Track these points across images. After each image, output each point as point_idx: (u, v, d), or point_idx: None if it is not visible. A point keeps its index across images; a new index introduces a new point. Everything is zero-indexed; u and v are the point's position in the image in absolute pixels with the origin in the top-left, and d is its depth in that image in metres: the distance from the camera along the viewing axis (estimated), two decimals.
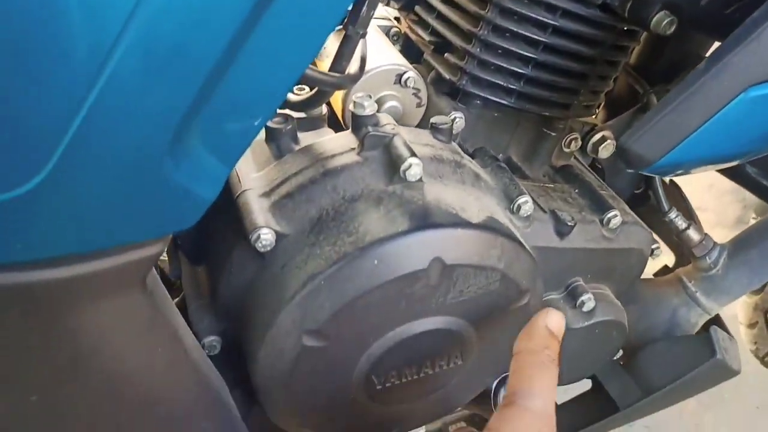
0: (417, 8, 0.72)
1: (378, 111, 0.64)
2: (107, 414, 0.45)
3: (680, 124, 0.51)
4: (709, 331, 0.73)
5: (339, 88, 0.54)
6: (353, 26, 0.50)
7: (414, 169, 0.52)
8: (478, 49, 0.63)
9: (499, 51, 0.63)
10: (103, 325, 0.41)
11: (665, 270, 0.94)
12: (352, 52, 0.52)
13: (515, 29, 0.61)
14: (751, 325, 1.19)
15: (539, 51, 0.62)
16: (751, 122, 0.52)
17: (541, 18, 0.60)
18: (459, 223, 0.51)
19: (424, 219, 0.50)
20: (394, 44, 0.77)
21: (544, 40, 0.61)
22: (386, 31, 0.76)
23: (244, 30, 0.33)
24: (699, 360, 0.72)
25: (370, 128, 0.54)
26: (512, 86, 0.64)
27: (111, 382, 0.43)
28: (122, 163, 0.33)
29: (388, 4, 0.78)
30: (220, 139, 0.39)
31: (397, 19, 0.80)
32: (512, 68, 0.63)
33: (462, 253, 0.51)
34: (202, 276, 0.62)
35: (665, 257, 0.96)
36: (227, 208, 0.56)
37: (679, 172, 0.58)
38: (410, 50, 0.75)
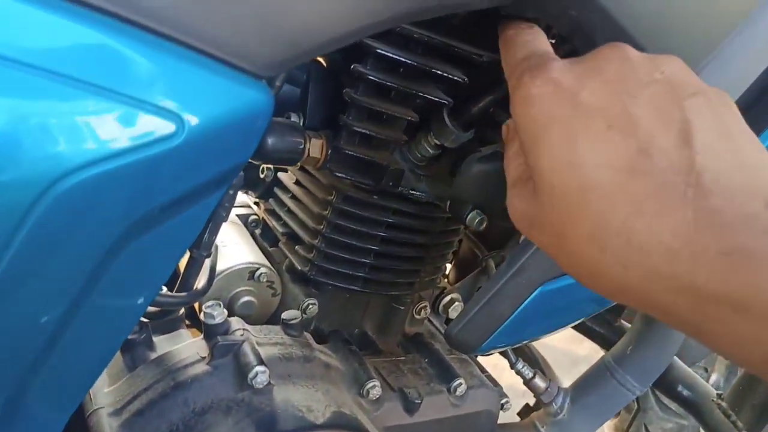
0: (271, 200, 0.79)
1: (234, 306, 0.68)
2: None
3: (494, 316, 0.59)
4: None
5: (188, 305, 0.58)
6: (197, 249, 0.55)
7: (260, 377, 0.55)
8: (323, 245, 0.69)
9: (342, 245, 0.70)
10: None
11: (527, 408, 1.01)
12: (198, 273, 0.56)
13: (354, 227, 0.68)
14: None
15: (378, 243, 0.70)
16: (551, 310, 0.61)
17: (376, 217, 0.68)
18: (305, 427, 0.55)
19: (271, 428, 0.54)
20: (254, 228, 0.83)
21: (381, 234, 0.69)
22: (245, 218, 0.82)
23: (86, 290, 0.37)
24: None
25: (219, 338, 0.58)
26: (358, 274, 0.71)
27: None
28: None
29: (246, 193, 0.84)
30: (56, 394, 0.41)
31: (257, 202, 0.86)
32: (356, 259, 0.70)
33: None
34: None
35: (527, 397, 1.04)
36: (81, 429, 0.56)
37: (505, 347, 0.66)
38: (269, 233, 0.81)
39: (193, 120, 0.37)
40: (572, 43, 0.53)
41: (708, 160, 0.28)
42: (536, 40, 0.41)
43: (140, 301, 0.45)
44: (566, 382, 1.84)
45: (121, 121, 0.36)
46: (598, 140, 0.30)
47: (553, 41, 0.62)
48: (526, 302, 0.58)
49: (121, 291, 0.43)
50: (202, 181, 0.41)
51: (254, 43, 0.39)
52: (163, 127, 0.37)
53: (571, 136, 0.31)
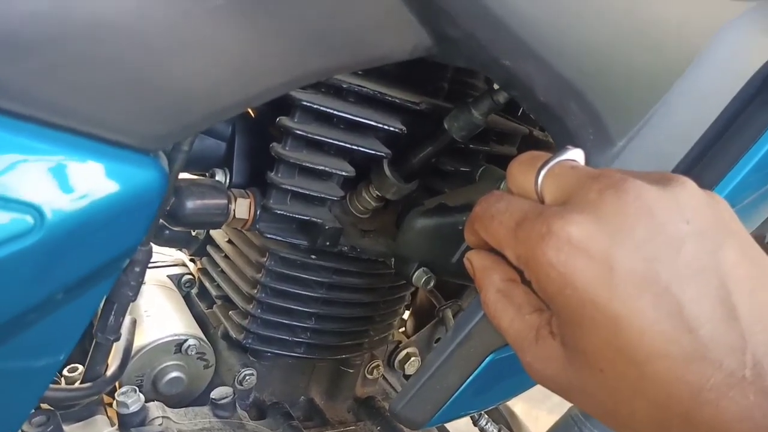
0: (204, 259, 0.72)
1: (159, 384, 0.61)
2: None
3: (441, 388, 0.53)
4: None
5: (94, 396, 0.52)
6: (102, 333, 0.49)
7: None
8: (259, 310, 0.63)
9: (280, 309, 0.63)
10: None
11: None
12: (105, 359, 0.50)
13: (292, 290, 0.62)
14: None
15: (320, 305, 0.64)
16: (507, 376, 0.55)
17: (315, 278, 0.62)
18: None
19: None
20: (189, 289, 0.77)
21: (322, 295, 0.63)
22: (179, 278, 0.76)
23: None
24: None
25: (133, 430, 0.51)
26: (299, 339, 0.65)
27: None
28: None
29: (180, 250, 0.78)
30: None
31: (192, 259, 0.80)
32: (295, 323, 0.64)
33: None
34: None
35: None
36: None
37: (459, 417, 0.60)
38: (206, 293, 0.74)
39: (55, 211, 0.32)
40: (509, 93, 0.48)
41: (757, 332, 0.27)
42: (512, 202, 0.34)
43: (28, 394, 0.39)
44: (541, 413, 1.78)
45: None
46: (646, 327, 0.28)
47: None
48: (477, 371, 0.52)
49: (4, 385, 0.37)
50: (80, 275, 0.35)
51: (132, 115, 0.34)
52: (17, 222, 0.31)
53: (616, 322, 0.28)
